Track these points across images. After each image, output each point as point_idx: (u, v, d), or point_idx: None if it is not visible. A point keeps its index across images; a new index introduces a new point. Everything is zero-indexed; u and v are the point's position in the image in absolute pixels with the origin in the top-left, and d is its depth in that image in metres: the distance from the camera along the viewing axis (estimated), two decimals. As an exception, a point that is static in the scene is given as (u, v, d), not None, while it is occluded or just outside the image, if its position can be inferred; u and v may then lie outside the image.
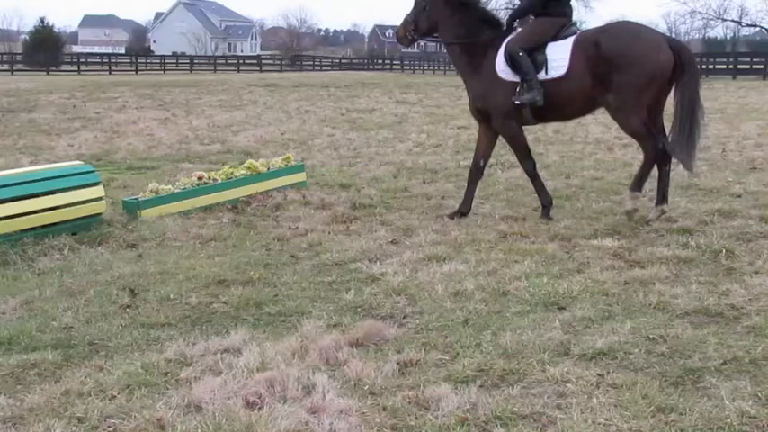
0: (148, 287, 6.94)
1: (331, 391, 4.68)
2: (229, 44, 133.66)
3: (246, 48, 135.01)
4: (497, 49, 9.25)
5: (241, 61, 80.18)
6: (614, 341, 5.48)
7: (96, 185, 9.16)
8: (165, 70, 68.69)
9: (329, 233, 8.83)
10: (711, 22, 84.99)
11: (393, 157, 14.27)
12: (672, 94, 8.96)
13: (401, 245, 8.30)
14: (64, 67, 66.63)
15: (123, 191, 11.00)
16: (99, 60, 74.25)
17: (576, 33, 9.10)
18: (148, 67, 71.64)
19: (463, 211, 9.55)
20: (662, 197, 9.13)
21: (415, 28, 9.90)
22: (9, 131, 19.45)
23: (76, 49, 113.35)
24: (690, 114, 8.76)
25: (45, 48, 68.39)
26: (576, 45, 8.90)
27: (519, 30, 9.43)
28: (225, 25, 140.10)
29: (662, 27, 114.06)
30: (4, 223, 8.31)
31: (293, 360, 5.21)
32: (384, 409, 4.52)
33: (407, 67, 78.55)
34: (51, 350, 5.56)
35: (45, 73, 58.91)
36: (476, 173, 9.69)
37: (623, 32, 9.03)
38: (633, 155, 14.50)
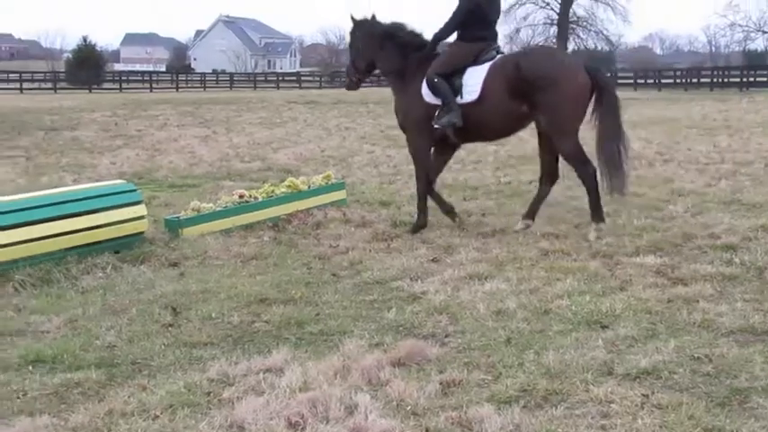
0: (190, 306, 6.97)
1: (373, 412, 4.67)
2: (269, 61, 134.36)
3: (286, 65, 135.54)
4: (425, 73, 9.61)
5: (280, 78, 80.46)
6: (658, 360, 5.43)
7: (139, 204, 9.23)
8: (205, 87, 69.19)
9: (370, 251, 8.83)
10: (752, 34, 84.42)
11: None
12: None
13: (442, 263, 8.29)
14: (106, 85, 67.31)
15: (165, 209, 11.07)
16: (140, 78, 74.87)
17: (494, 58, 9.41)
18: (189, 85, 72.22)
19: (447, 210, 10.06)
20: (531, 213, 9.72)
21: (356, 71, 10.50)
22: (52, 149, 19.67)
23: (118, 66, 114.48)
24: (614, 138, 9.03)
25: (87, 66, 69.03)
26: (493, 69, 9.23)
27: (440, 54, 9.78)
28: (264, 42, 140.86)
29: (701, 40, 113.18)
30: (48, 242, 8.38)
31: (335, 380, 5.21)
32: (427, 431, 4.51)
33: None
34: (95, 369, 5.60)
35: (87, 91, 59.52)
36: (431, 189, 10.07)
37: (543, 55, 9.72)
38: (674, 170, 14.43)
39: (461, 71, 9.38)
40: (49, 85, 65.37)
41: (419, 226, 9.79)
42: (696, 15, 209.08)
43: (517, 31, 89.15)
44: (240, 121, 27.60)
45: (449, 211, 10.10)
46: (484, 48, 9.49)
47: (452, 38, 9.73)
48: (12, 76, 67.15)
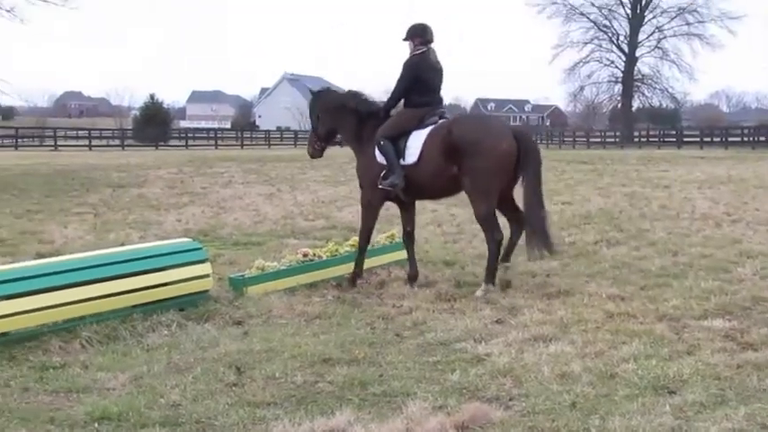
0: (254, 365, 6.99)
1: (437, 477, 4.63)
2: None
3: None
4: None
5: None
6: (728, 428, 5.33)
7: (204, 263, 9.31)
8: (269, 145, 70.01)
9: (434, 311, 8.81)
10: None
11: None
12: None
13: (506, 324, 8.24)
14: (172, 142, 68.40)
15: (229, 267, 11.15)
16: (206, 135, 76.07)
17: (435, 123, 10.04)
18: (254, 142, 73.15)
19: (410, 274, 10.32)
20: (506, 256, 10.06)
21: (317, 139, 11.16)
22: (120, 206, 19.94)
23: (184, 124, 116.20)
24: (536, 199, 9.71)
25: (154, 123, 70.26)
26: (431, 134, 9.89)
27: (387, 120, 10.37)
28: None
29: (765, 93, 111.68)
30: (114, 299, 8.48)
31: (399, 443, 5.18)
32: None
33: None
34: (159, 428, 5.64)
35: (154, 148, 60.52)
36: (408, 240, 10.56)
37: (472, 122, 10.40)
38: (742, 231, 14.24)
39: (407, 135, 10.03)
40: (117, 142, 66.67)
41: (353, 279, 10.33)
42: (764, 72, 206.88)
43: (581, 89, 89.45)
44: (304, 179, 27.81)
45: (412, 276, 10.38)
46: (427, 113, 10.15)
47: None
48: (81, 133, 68.69)
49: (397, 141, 10.03)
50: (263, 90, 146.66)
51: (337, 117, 10.79)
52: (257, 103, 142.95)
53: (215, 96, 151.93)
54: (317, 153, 11.26)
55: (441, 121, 10.07)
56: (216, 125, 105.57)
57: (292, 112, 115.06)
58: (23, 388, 6.63)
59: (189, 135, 72.87)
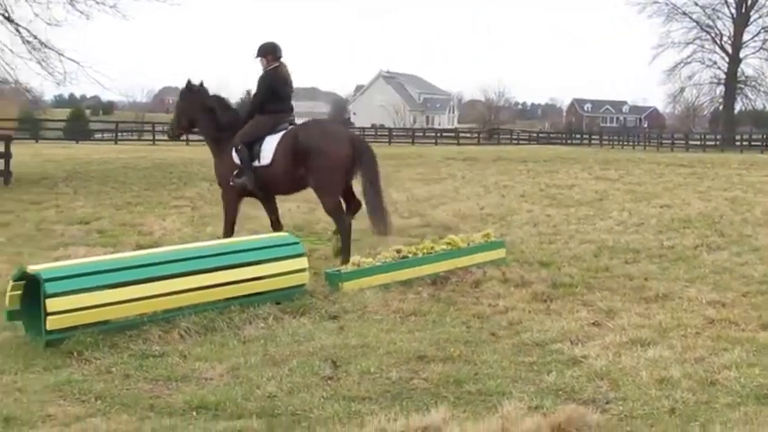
0: (350, 360, 7.03)
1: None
2: (427, 117, 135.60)
3: (444, 121, 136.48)
4: None
5: (439, 134, 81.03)
6: (834, 441, 5.19)
7: (301, 257, 9.39)
8: (364, 142, 70.00)
9: (529, 312, 8.75)
10: None
11: (594, 236, 14.03)
12: None
13: (603, 327, 8.14)
14: (269, 138, 68.85)
15: (324, 262, 11.22)
16: (302, 131, 76.35)
17: (287, 129, 11.34)
18: (349, 139, 73.16)
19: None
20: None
21: (178, 124, 12.33)
22: (216, 200, 19.82)
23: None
24: (373, 190, 11.00)
25: (251, 119, 70.96)
26: (282, 138, 11.15)
27: (245, 126, 11.48)
28: (423, 98, 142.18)
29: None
30: (212, 291, 8.60)
31: (494, 442, 5.15)
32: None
33: (606, 142, 77.35)
34: (256, 419, 5.70)
35: (251, 143, 60.96)
36: (276, 227, 11.89)
37: (316, 129, 11.45)
38: None
39: (261, 140, 11.24)
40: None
41: None
42: None
43: (681, 90, 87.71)
44: (399, 177, 27.80)
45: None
46: (280, 119, 11.44)
47: None
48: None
49: (253, 145, 11.24)
50: (359, 87, 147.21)
51: (200, 116, 11.90)
52: (352, 101, 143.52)
53: (311, 93, 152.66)
54: (173, 134, 12.78)
55: (291, 128, 11.36)
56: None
57: (387, 110, 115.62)
58: (124, 375, 6.78)
59: (285, 132, 73.36)
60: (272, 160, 11.09)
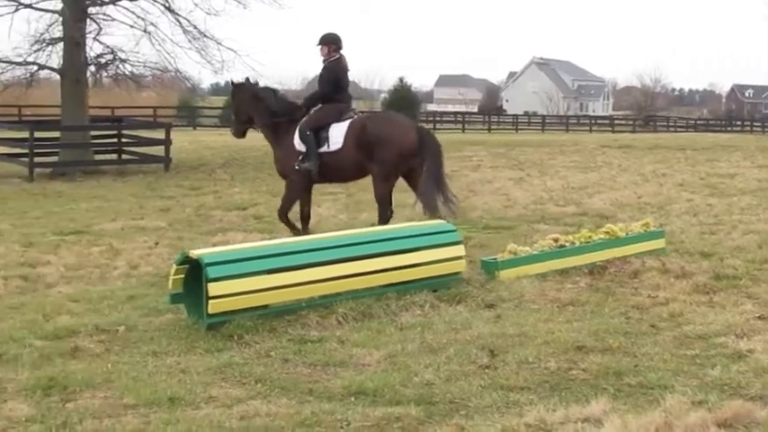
0: (507, 349, 7.00)
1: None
2: (581, 104, 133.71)
3: (598, 108, 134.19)
4: (296, 127, 11.90)
5: (593, 121, 79.77)
6: None
7: (458, 245, 9.39)
8: (517, 129, 69.56)
9: (691, 304, 8.53)
10: None
11: (758, 226, 13.53)
12: None
13: (770, 320, 7.88)
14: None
15: (480, 250, 11.17)
16: (453, 119, 76.29)
17: (352, 118, 11.89)
18: (500, 126, 72.88)
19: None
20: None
21: (237, 120, 12.85)
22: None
23: (432, 107, 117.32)
24: (435, 177, 11.45)
25: (403, 106, 71.20)
26: (350, 127, 11.66)
27: (311, 113, 11.96)
28: (577, 85, 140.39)
29: None
30: (369, 278, 8.70)
31: (658, 437, 5.05)
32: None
33: (769, 129, 74.72)
34: (414, 405, 5.75)
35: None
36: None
37: (383, 119, 12.54)
38: None
39: (326, 127, 11.69)
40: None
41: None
42: None
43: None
44: (554, 164, 27.49)
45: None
46: (344, 108, 11.99)
47: None
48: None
49: (320, 132, 11.71)
50: (511, 74, 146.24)
51: (254, 107, 12.40)
52: (504, 88, 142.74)
53: (462, 80, 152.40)
54: (237, 133, 13.03)
55: (356, 117, 11.97)
56: (463, 109, 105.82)
57: (540, 97, 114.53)
58: (283, 359, 6.93)
59: (437, 119, 73.44)
60: (342, 147, 11.58)
